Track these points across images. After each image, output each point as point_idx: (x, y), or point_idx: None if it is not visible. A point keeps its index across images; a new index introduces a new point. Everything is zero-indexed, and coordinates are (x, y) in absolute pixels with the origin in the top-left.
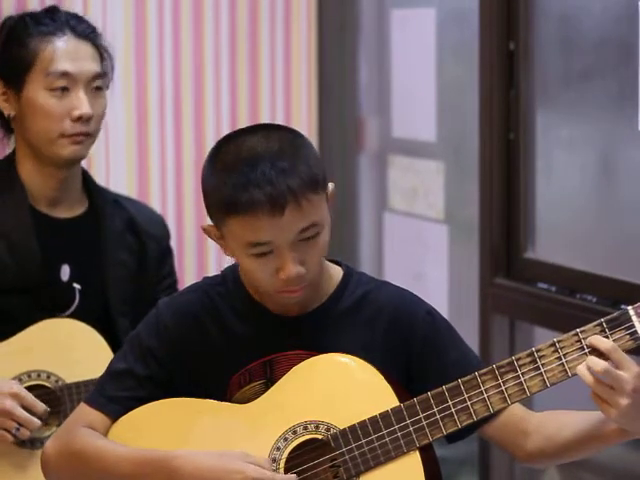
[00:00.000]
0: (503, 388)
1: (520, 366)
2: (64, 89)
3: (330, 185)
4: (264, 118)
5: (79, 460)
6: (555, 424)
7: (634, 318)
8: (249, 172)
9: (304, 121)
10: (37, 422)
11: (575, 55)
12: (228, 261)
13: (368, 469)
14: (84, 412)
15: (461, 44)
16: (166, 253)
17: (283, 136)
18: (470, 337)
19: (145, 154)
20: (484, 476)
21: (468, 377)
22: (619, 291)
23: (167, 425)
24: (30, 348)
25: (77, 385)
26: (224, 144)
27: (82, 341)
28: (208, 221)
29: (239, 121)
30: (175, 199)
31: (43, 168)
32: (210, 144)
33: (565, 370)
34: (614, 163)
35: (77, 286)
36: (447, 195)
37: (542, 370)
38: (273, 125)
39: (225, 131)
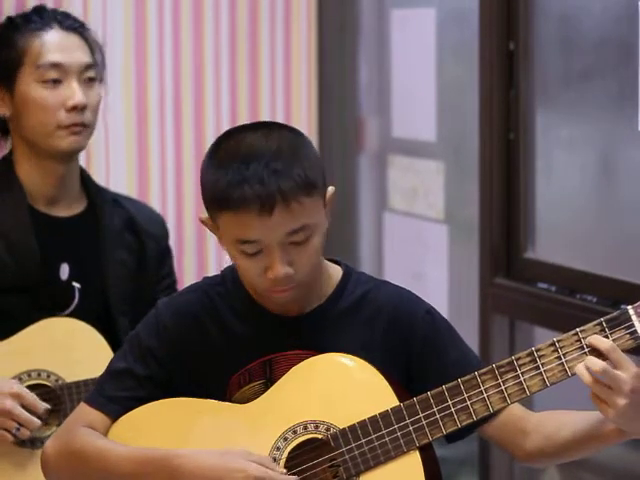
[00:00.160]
0: (503, 388)
1: (520, 366)
2: (56, 81)
3: (330, 188)
4: (264, 118)
5: (79, 460)
6: (554, 424)
7: (634, 317)
8: (244, 170)
9: (304, 121)
10: (37, 422)
11: (575, 55)
12: (228, 261)
13: (368, 469)
14: (84, 412)
15: (461, 44)
16: (165, 253)
17: (284, 136)
18: (470, 337)
19: (145, 154)
20: (484, 476)
21: (468, 377)
22: (619, 291)
23: (167, 425)
24: (30, 347)
25: (77, 384)
26: (225, 139)
27: (82, 340)
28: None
29: (239, 121)
30: (175, 199)
31: (41, 166)
32: (210, 144)
33: (565, 370)
34: (614, 163)
35: (76, 285)
36: (447, 195)
37: (542, 370)
38: (276, 124)
39: None
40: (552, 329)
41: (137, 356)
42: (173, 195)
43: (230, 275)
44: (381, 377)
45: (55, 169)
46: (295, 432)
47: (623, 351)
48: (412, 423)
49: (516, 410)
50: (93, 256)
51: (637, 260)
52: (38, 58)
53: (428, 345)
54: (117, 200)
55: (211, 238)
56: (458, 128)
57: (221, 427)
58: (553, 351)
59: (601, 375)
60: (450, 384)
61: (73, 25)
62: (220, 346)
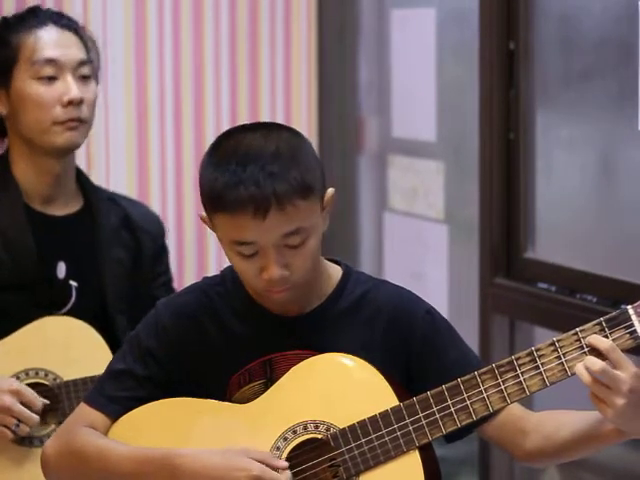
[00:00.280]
0: (502, 387)
1: (520, 365)
2: (51, 78)
3: (329, 190)
4: (264, 118)
5: (80, 459)
6: (553, 423)
7: (633, 317)
8: (240, 171)
9: (304, 121)
10: (36, 418)
11: (575, 55)
12: (228, 261)
13: (368, 468)
14: (84, 412)
15: (461, 44)
16: (161, 251)
17: (283, 138)
18: (470, 337)
19: (145, 154)
20: (484, 476)
21: (468, 376)
22: (619, 291)
23: (167, 425)
24: (27, 346)
25: (75, 383)
26: (224, 139)
27: (79, 339)
28: None
29: (239, 121)
30: (175, 199)
31: (38, 164)
32: (210, 144)
33: (565, 369)
34: (614, 163)
35: (73, 283)
36: (447, 195)
37: (542, 369)
38: (276, 125)
39: None
40: (552, 329)
41: (137, 356)
42: (173, 195)
43: (230, 275)
44: (381, 377)
45: (51, 167)
46: (295, 432)
47: (623, 351)
48: (412, 423)
49: (516, 410)
50: (90, 255)
51: (637, 260)
52: (33, 54)
53: (428, 345)
54: (113, 198)
55: (211, 238)
56: (458, 128)
57: (221, 427)
58: (553, 351)
59: (600, 375)
60: (450, 384)
61: (68, 23)
62: (220, 346)
